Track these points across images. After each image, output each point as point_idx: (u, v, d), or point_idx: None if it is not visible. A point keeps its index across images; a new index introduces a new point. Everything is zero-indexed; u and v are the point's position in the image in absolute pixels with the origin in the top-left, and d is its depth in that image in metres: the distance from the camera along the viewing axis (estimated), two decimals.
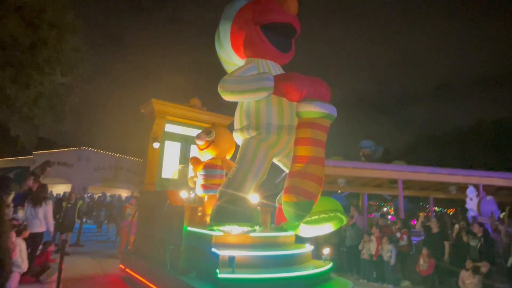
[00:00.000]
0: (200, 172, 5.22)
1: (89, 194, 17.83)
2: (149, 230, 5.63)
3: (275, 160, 4.86)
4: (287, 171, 5.10)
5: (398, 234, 7.37)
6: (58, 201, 8.45)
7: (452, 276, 6.57)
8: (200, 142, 5.12)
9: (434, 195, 16.74)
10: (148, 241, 5.54)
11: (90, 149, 19.45)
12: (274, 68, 4.82)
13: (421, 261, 6.66)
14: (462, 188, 14.15)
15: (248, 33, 4.64)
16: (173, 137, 7.55)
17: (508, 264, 6.67)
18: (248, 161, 4.30)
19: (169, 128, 7.37)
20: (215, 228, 3.78)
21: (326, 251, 4.65)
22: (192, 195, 5.98)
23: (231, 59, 5.33)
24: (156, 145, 6.76)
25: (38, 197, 5.48)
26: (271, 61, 4.85)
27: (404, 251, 7.19)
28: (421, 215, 11.58)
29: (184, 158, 7.70)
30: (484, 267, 6.16)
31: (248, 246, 4.07)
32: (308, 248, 4.56)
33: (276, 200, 4.99)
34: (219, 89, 4.30)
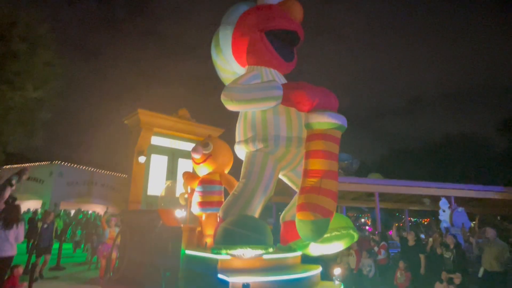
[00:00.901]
0: (197, 189, 4.79)
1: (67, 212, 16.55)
2: (136, 254, 5.08)
3: (280, 175, 4.54)
4: (293, 186, 4.80)
5: (376, 248, 7.57)
6: (31, 222, 7.59)
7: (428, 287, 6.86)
8: (197, 156, 4.71)
9: (409, 207, 17.31)
10: (136, 267, 4.98)
11: (62, 163, 18.23)
12: (278, 77, 4.57)
13: (398, 274, 6.92)
14: (436, 200, 14.72)
15: (252, 39, 4.38)
16: (160, 150, 7.05)
17: (480, 275, 6.88)
18: (255, 176, 3.95)
19: (155, 140, 6.88)
20: (223, 251, 3.37)
21: (337, 271, 4.34)
22: (184, 214, 5.51)
23: (230, 66, 5.02)
24: (142, 159, 6.24)
25: (10, 218, 4.81)
26: (275, 69, 4.60)
27: (383, 264, 7.40)
28: (395, 225, 12.08)
29: (171, 173, 7.20)
30: (457, 278, 6.50)
31: (257, 270, 3.68)
32: (319, 269, 4.24)
33: (281, 217, 4.66)
34: (223, 98, 3.97)
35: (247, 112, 4.33)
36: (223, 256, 3.53)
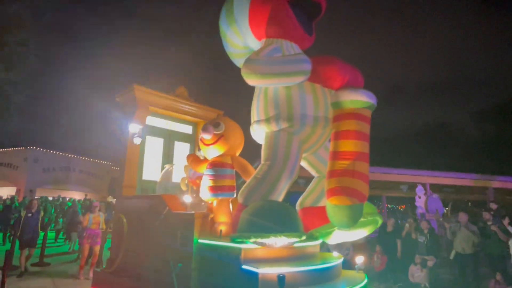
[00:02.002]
0: (206, 172, 4.34)
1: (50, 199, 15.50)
2: (136, 245, 4.60)
3: None
4: (312, 170, 4.46)
5: None
6: (7, 209, 6.86)
7: (403, 271, 7.28)
8: (207, 136, 4.23)
9: (386, 194, 17.70)
10: (136, 258, 4.51)
11: (38, 148, 17.04)
12: (299, 52, 4.16)
13: (375, 258, 7.36)
14: (412, 187, 15.11)
15: (275, 8, 3.93)
16: (155, 132, 6.46)
17: (451, 257, 7.37)
18: (281, 158, 3.58)
19: (151, 121, 6.29)
20: (251, 240, 2.99)
21: (360, 260, 4.09)
22: (190, 200, 5.07)
23: (240, 39, 4.53)
24: (137, 140, 5.66)
25: None
26: (296, 43, 4.18)
27: (361, 248, 7.57)
28: None
29: (167, 156, 6.66)
30: (430, 261, 6.94)
31: (282, 260, 3.35)
32: (341, 258, 3.97)
33: (298, 203, 4.32)
34: (244, 71, 3.53)
35: (268, 88, 3.90)
36: (247, 245, 3.18)
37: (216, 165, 4.31)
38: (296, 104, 3.70)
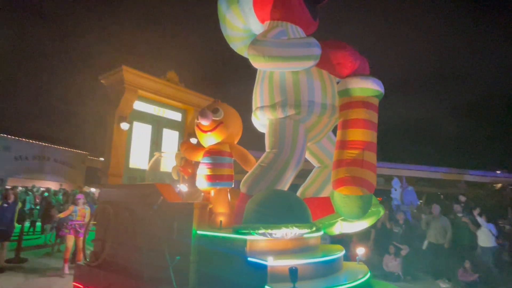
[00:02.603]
0: (204, 160, 4.08)
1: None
2: (125, 237, 4.28)
3: None
4: (313, 161, 4.31)
5: None
6: None
7: (378, 260, 7.55)
8: (205, 122, 3.97)
9: None
10: (125, 251, 4.21)
11: (9, 136, 15.95)
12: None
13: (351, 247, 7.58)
14: (388, 179, 15.54)
15: None
16: (143, 117, 6.09)
17: (424, 247, 7.73)
18: (288, 146, 3.40)
19: (139, 106, 5.91)
20: (259, 231, 2.80)
21: (361, 251, 4.00)
22: (177, 190, 4.79)
23: (241, 22, 4.28)
24: (124, 126, 5.29)
25: None
26: (301, 28, 3.97)
27: (338, 238, 7.59)
28: None
29: (156, 144, 6.31)
30: (404, 250, 7.26)
31: (286, 252, 3.19)
32: (343, 250, 3.86)
33: (299, 193, 4.17)
34: (251, 52, 3.30)
35: (273, 73, 3.67)
36: (252, 237, 2.99)
37: (214, 153, 4.06)
38: (303, 91, 3.51)
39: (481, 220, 7.30)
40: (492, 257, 7.11)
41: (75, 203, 7.32)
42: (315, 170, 4.30)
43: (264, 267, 2.76)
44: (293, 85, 3.54)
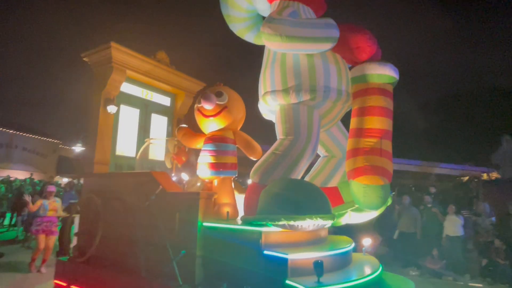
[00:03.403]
0: (206, 147, 3.77)
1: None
2: (116, 229, 3.91)
3: None
4: (320, 150, 4.12)
5: None
6: None
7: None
8: (209, 106, 3.65)
9: None
10: (117, 245, 3.84)
11: None
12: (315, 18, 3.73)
13: None
14: None
15: None
16: (131, 101, 5.60)
17: (395, 237, 8.10)
18: (305, 133, 3.19)
19: (126, 88, 5.42)
20: (281, 222, 2.57)
21: (367, 242, 3.89)
22: (174, 178, 4.47)
23: (246, 1, 3.96)
24: (111, 109, 4.82)
25: None
26: (312, 9, 3.72)
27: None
28: None
29: (144, 130, 5.86)
30: (376, 240, 7.15)
31: (301, 245, 3.01)
32: (352, 241, 3.74)
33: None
34: (268, 31, 3.05)
35: (286, 55, 3.40)
36: (267, 229, 2.77)
37: (217, 140, 3.75)
38: (319, 75, 3.28)
39: (450, 210, 7.67)
40: (458, 245, 7.46)
41: (44, 196, 6.67)
42: (322, 159, 4.11)
43: (285, 260, 2.55)
44: (308, 68, 3.30)
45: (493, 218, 8.72)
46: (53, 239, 6.52)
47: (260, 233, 2.75)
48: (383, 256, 7.66)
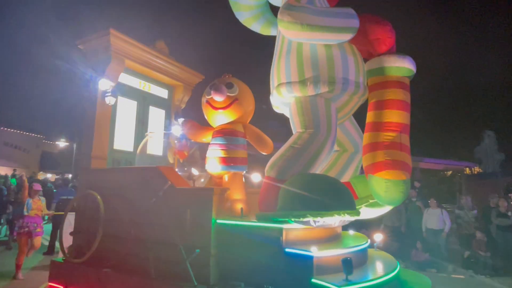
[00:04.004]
0: (215, 141, 3.60)
1: None
2: (119, 228, 3.69)
3: None
4: None
5: None
6: None
7: None
8: (220, 98, 3.47)
9: None
10: (121, 244, 3.63)
11: None
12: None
13: None
14: None
15: None
16: (129, 92, 5.32)
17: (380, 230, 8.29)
18: (325, 127, 3.07)
19: (124, 78, 5.14)
20: (306, 219, 2.44)
21: (379, 237, 3.83)
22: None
23: None
24: (110, 100, 4.56)
25: None
26: None
27: None
28: None
29: (142, 123, 5.60)
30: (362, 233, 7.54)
31: (320, 241, 2.91)
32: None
33: None
34: (287, 19, 2.94)
35: (302, 45, 3.25)
36: (288, 226, 2.64)
37: (228, 134, 3.59)
38: (338, 66, 3.15)
39: (431, 204, 7.85)
40: (441, 238, 7.65)
41: (29, 194, 6.29)
42: (333, 154, 4.01)
43: (310, 258, 2.44)
44: (327, 59, 3.16)
45: (475, 211, 8.97)
46: (39, 239, 6.21)
47: (281, 230, 2.62)
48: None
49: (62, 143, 21.56)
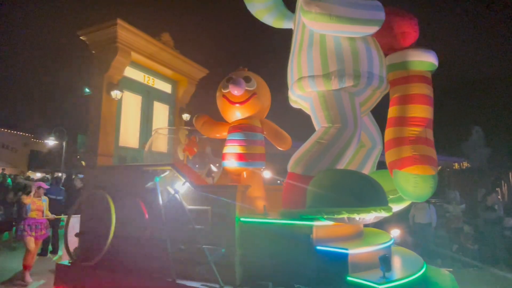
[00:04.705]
0: (232, 137, 3.47)
1: None
2: (132, 228, 3.54)
3: None
4: None
5: None
6: None
7: None
8: (238, 92, 3.35)
9: None
10: (135, 245, 3.48)
11: None
12: None
13: None
14: None
15: None
16: (133, 86, 5.11)
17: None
18: (352, 121, 3.00)
19: (129, 72, 4.94)
20: (341, 216, 2.35)
21: (396, 232, 3.79)
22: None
23: None
24: (116, 94, 4.36)
25: None
26: None
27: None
28: None
29: (146, 119, 5.41)
30: None
31: (349, 238, 2.85)
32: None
33: None
34: (316, 10, 2.83)
35: (325, 38, 3.15)
36: (319, 223, 2.56)
37: (246, 129, 3.47)
38: (363, 60, 3.06)
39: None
40: (428, 232, 7.73)
41: (32, 193, 6.05)
42: None
43: (345, 256, 2.36)
44: (352, 53, 3.07)
45: (463, 206, 9.09)
46: (38, 243, 6.02)
47: (311, 227, 2.54)
48: None
49: (51, 142, 20.95)
